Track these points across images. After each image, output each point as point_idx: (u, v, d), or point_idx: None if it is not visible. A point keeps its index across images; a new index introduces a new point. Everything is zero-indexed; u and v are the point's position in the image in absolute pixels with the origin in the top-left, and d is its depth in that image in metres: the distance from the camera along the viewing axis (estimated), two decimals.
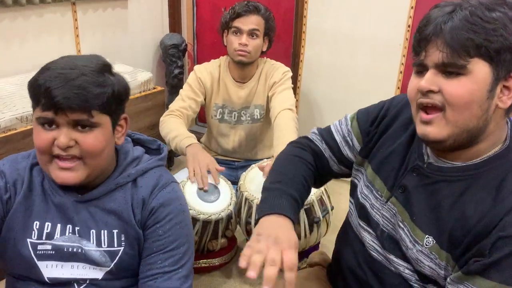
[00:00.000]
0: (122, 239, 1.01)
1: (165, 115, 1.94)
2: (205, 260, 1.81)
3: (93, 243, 1.00)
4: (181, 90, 2.01)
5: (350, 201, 1.11)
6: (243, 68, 1.97)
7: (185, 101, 1.95)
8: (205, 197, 1.68)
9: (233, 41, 1.90)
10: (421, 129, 0.85)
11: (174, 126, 1.85)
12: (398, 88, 2.43)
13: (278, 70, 2.00)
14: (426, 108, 0.84)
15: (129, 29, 2.87)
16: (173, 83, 2.97)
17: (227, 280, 1.86)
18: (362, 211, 1.04)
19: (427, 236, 0.88)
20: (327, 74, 2.65)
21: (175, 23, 3.06)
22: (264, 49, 1.99)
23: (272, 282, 0.76)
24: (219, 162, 2.08)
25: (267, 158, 1.98)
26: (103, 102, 0.91)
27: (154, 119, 2.51)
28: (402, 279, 0.94)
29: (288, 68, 2.03)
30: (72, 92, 0.87)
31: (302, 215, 1.62)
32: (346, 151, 1.10)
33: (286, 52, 2.72)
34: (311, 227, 1.66)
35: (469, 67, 0.78)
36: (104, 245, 1.00)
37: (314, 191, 1.65)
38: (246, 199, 1.68)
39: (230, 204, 1.69)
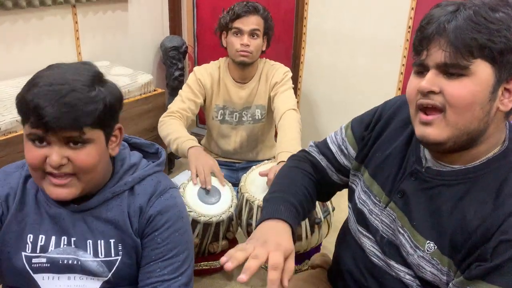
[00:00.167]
0: (119, 248, 1.00)
1: (164, 115, 1.93)
2: (206, 263, 1.81)
3: (90, 253, 0.99)
4: (180, 91, 2.00)
5: (349, 207, 1.10)
6: (244, 69, 1.97)
7: (185, 102, 1.95)
8: (206, 199, 1.68)
9: (234, 42, 1.90)
10: (420, 131, 0.84)
11: (174, 128, 1.85)
12: (399, 89, 2.42)
13: (279, 70, 2.00)
14: (425, 109, 0.82)
15: (129, 32, 2.87)
16: (173, 85, 2.97)
17: (228, 283, 1.86)
18: (360, 217, 1.03)
19: (428, 241, 0.87)
20: (328, 75, 2.65)
21: (175, 25, 3.06)
22: (264, 48, 1.99)
23: (251, 274, 0.76)
24: (220, 164, 2.08)
25: (267, 160, 1.97)
26: (95, 118, 0.87)
27: (155, 121, 2.50)
28: (403, 285, 0.93)
29: (288, 68, 2.04)
30: (62, 111, 0.82)
31: None
32: (342, 159, 1.10)
33: (286, 53, 2.72)
34: (312, 228, 1.65)
35: (472, 68, 0.77)
36: (101, 255, 0.99)
37: None
38: (247, 200, 1.67)
39: (231, 206, 1.69)
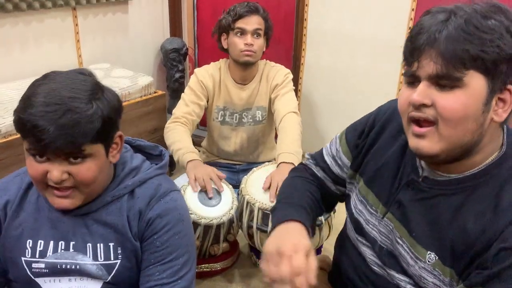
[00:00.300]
0: (119, 252, 0.99)
1: (170, 122, 1.92)
2: (207, 265, 1.80)
3: (89, 256, 0.99)
4: (183, 94, 2.00)
5: (346, 214, 1.09)
6: (246, 69, 1.97)
7: (189, 105, 1.94)
8: (206, 202, 1.67)
9: (237, 42, 1.90)
10: (413, 143, 0.82)
11: (179, 137, 1.84)
12: (400, 89, 2.42)
13: (280, 72, 2.01)
14: (418, 121, 0.80)
15: (129, 34, 2.87)
16: (174, 87, 2.97)
17: (229, 285, 1.85)
18: (357, 226, 1.02)
19: (428, 252, 0.85)
20: (328, 75, 2.65)
21: (175, 27, 3.06)
22: (264, 49, 1.99)
23: None
24: (220, 166, 2.08)
25: (268, 161, 1.97)
26: (93, 136, 0.87)
27: (155, 123, 2.50)
28: None
29: (289, 70, 2.04)
30: (59, 133, 0.82)
31: None
32: (337, 170, 1.10)
33: (287, 55, 2.72)
34: (313, 230, 1.65)
35: (465, 79, 0.74)
36: (101, 258, 0.99)
37: None
38: (247, 202, 1.67)
39: (232, 208, 1.69)
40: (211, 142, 2.18)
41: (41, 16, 2.36)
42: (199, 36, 3.08)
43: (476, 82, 0.75)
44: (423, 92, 0.78)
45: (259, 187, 1.72)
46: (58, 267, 0.98)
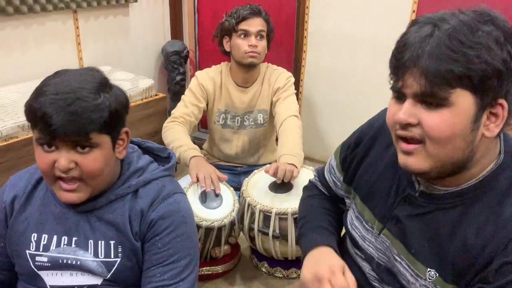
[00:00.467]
0: (119, 250, 1.00)
1: (168, 121, 1.94)
2: (208, 268, 1.80)
3: (90, 253, 1.00)
4: (183, 96, 2.01)
5: (344, 227, 1.07)
6: (249, 72, 1.97)
7: (188, 107, 1.95)
8: (207, 204, 1.67)
9: (241, 44, 1.90)
10: (402, 160, 0.80)
11: (178, 136, 1.85)
12: None
13: (282, 75, 2.01)
14: (406, 138, 0.78)
15: (130, 36, 2.87)
16: (175, 90, 2.97)
17: None
18: (354, 242, 1.01)
19: (428, 269, 0.82)
20: (328, 76, 2.64)
21: (176, 30, 3.07)
22: (266, 51, 1.99)
23: None
24: (222, 168, 2.08)
25: (269, 164, 1.97)
26: (101, 125, 0.90)
27: (156, 126, 2.50)
28: None
29: (290, 73, 2.04)
30: (68, 119, 0.86)
31: None
32: (335, 187, 1.11)
33: (288, 57, 2.72)
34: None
35: (451, 98, 0.71)
36: (101, 255, 1.00)
37: None
38: (249, 205, 1.66)
39: (233, 211, 1.68)
40: (212, 144, 2.18)
41: (42, 19, 2.36)
42: (200, 38, 3.08)
43: (463, 100, 0.71)
44: (408, 111, 0.75)
45: (260, 189, 1.72)
46: (60, 261, 1.00)
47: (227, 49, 1.98)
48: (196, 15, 3.02)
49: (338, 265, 0.87)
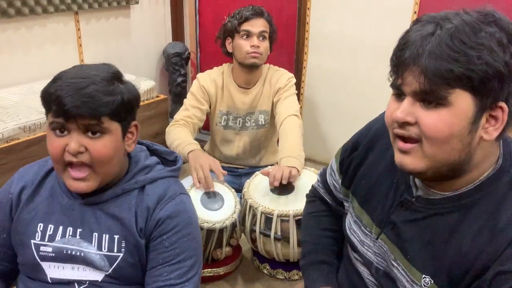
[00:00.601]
0: (123, 245, 1.01)
1: (170, 125, 1.95)
2: (209, 269, 1.80)
3: (94, 245, 1.01)
4: (185, 100, 2.01)
5: (343, 232, 1.06)
6: (251, 73, 1.97)
7: (189, 110, 1.96)
8: (209, 205, 1.67)
9: (243, 44, 1.90)
10: (398, 158, 0.80)
11: (177, 135, 1.86)
12: None
13: (283, 76, 2.01)
14: (403, 136, 0.77)
15: (132, 38, 2.88)
16: (176, 92, 2.97)
17: None
18: (353, 246, 1.00)
19: (423, 276, 0.81)
20: (330, 78, 2.64)
21: (177, 32, 3.07)
22: (269, 52, 1.99)
23: None
24: (223, 169, 2.07)
25: (270, 165, 1.96)
26: (112, 109, 0.93)
27: (158, 127, 2.50)
28: None
29: (292, 74, 2.04)
30: (82, 100, 0.90)
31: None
32: (335, 191, 1.10)
33: (289, 59, 2.72)
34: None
35: (450, 98, 0.70)
36: (104, 249, 1.01)
37: None
38: (250, 206, 1.66)
39: (235, 212, 1.68)
40: (213, 146, 2.18)
41: (44, 21, 2.37)
42: (201, 40, 3.08)
43: (462, 100, 0.70)
44: (406, 109, 0.75)
45: (262, 191, 1.71)
46: (64, 252, 1.01)
47: (230, 50, 1.98)
48: (197, 16, 3.03)
49: None
